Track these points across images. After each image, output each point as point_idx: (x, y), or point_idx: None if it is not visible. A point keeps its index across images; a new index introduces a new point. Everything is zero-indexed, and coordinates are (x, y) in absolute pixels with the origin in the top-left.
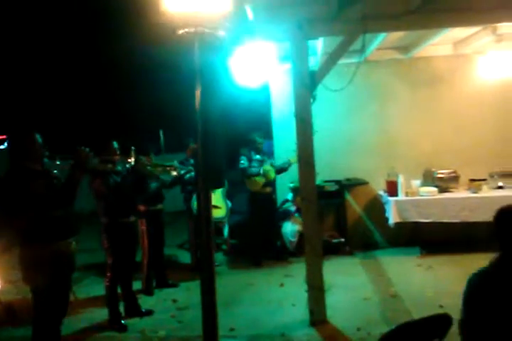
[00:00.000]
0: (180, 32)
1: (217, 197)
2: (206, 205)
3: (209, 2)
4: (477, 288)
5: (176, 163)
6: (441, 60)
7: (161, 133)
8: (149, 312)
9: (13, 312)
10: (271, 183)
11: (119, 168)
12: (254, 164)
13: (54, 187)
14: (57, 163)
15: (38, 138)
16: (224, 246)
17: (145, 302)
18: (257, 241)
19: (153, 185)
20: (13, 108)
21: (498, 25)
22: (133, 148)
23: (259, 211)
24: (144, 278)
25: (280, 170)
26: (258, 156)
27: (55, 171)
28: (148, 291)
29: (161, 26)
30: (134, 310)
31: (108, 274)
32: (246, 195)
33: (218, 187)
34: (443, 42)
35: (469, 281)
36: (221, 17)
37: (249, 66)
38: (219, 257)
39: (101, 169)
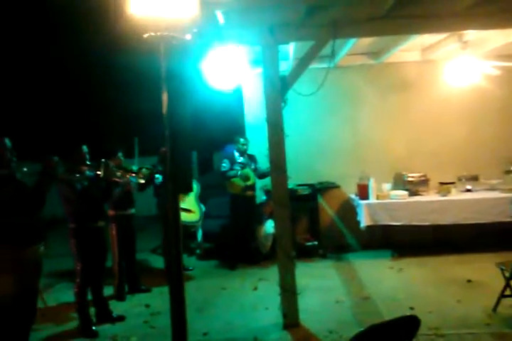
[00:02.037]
0: (146, 36)
1: (190, 201)
2: (174, 209)
3: (175, 6)
4: None
5: (144, 169)
6: (410, 66)
7: (135, 140)
8: (121, 318)
9: None
10: (252, 187)
11: (87, 172)
12: (237, 167)
13: (20, 193)
14: (25, 169)
15: (7, 142)
16: (198, 251)
17: (117, 307)
18: (233, 245)
19: (118, 189)
20: None
21: (464, 32)
22: (103, 160)
23: (239, 214)
24: (115, 284)
25: (263, 175)
26: (242, 159)
27: (19, 175)
28: (120, 296)
29: (128, 30)
30: (105, 316)
31: (77, 280)
32: (221, 199)
33: (186, 192)
34: (412, 49)
35: None
36: (188, 21)
37: (221, 70)
38: (193, 261)
39: (67, 178)
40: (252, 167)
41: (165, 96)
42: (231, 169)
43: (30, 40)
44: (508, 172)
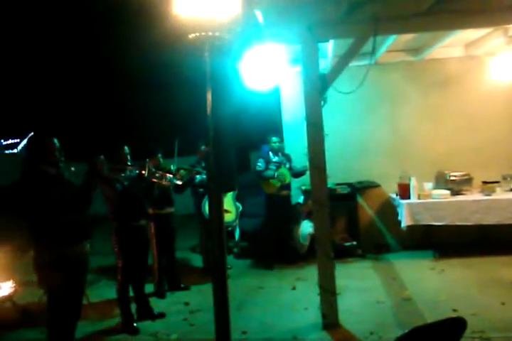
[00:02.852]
0: (191, 36)
1: (227, 201)
2: (218, 209)
3: (218, 6)
4: None
5: (182, 170)
6: (453, 62)
7: (176, 141)
8: (162, 315)
9: (27, 315)
10: (287, 186)
11: (127, 172)
12: (272, 166)
13: (68, 192)
14: (72, 169)
15: (56, 142)
16: (235, 250)
17: (157, 305)
18: (270, 244)
19: (156, 190)
20: (25, 113)
21: (510, 26)
22: (147, 160)
23: (275, 214)
24: (155, 281)
25: (298, 174)
26: (277, 158)
27: (67, 174)
28: (160, 294)
29: (172, 31)
30: (147, 313)
31: (118, 277)
32: (258, 198)
33: (230, 191)
34: (454, 44)
35: None
36: (230, 21)
37: (259, 69)
38: (230, 260)
39: (111, 177)
40: (287, 166)
41: (209, 96)
42: (266, 168)
43: (77, 41)
44: None
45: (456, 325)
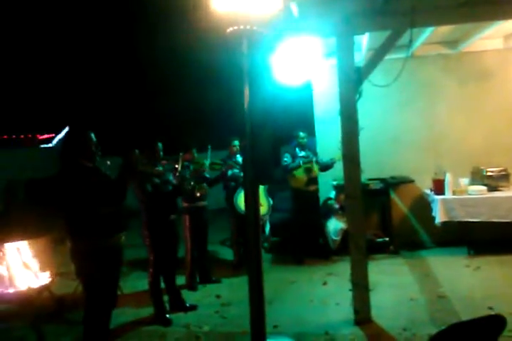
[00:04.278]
0: (229, 31)
1: (259, 195)
2: (253, 202)
3: (258, 1)
4: None
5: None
6: (491, 54)
7: (209, 148)
8: (193, 307)
9: (63, 306)
10: (315, 181)
11: (161, 167)
12: (300, 160)
13: (105, 185)
14: (108, 163)
15: (92, 136)
16: (265, 244)
17: (189, 297)
18: (299, 239)
19: (189, 183)
20: (60, 107)
21: None
22: (180, 154)
23: (303, 208)
24: (187, 274)
25: (325, 168)
26: (303, 153)
27: (103, 168)
28: (192, 287)
29: (211, 25)
30: (179, 305)
31: (150, 270)
32: (288, 192)
33: (268, 183)
34: (493, 36)
35: None
36: (270, 15)
37: (293, 63)
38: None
39: (149, 172)
40: (314, 159)
41: (247, 91)
42: (293, 163)
43: (115, 37)
44: None
45: (495, 322)
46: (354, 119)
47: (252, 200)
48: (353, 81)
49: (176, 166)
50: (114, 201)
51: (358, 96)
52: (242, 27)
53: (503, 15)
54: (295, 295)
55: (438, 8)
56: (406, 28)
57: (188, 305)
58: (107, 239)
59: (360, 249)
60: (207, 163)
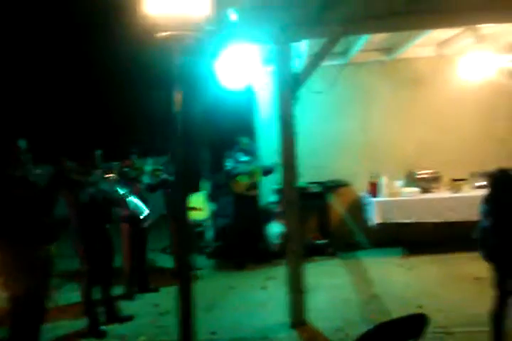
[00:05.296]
0: (160, 35)
1: (198, 199)
2: (183, 209)
3: (189, 5)
4: None
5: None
6: (424, 61)
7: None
8: (129, 318)
9: None
10: (256, 185)
11: (94, 176)
12: (242, 166)
13: (32, 194)
14: (38, 171)
15: (22, 144)
16: (207, 250)
17: (126, 307)
18: (240, 244)
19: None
20: None
21: (479, 26)
22: (116, 163)
23: (243, 213)
24: (125, 283)
25: (267, 172)
26: (246, 158)
27: (34, 176)
28: (129, 296)
29: (142, 29)
30: (114, 316)
31: (84, 281)
32: (231, 198)
33: (194, 192)
34: (426, 44)
35: None
36: (201, 20)
37: (233, 68)
38: (202, 261)
39: (83, 181)
40: (257, 164)
41: (177, 96)
42: (235, 168)
43: (46, 40)
44: None
45: (418, 320)
46: (291, 125)
47: (181, 208)
48: (290, 87)
49: (110, 175)
50: (42, 210)
51: (295, 101)
52: (172, 32)
53: (433, 25)
54: (234, 300)
55: (371, 17)
56: (340, 37)
57: (124, 315)
58: (35, 249)
59: (297, 252)
60: (148, 169)
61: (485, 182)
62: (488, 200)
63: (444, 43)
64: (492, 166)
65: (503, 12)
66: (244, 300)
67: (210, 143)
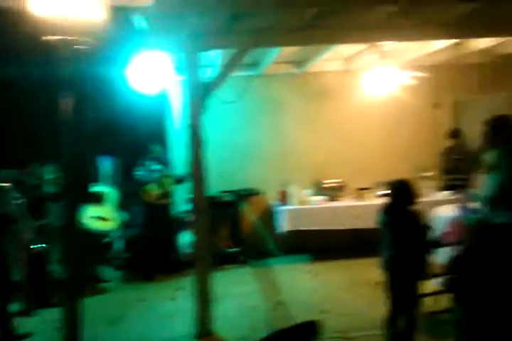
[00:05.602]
0: (49, 39)
1: (106, 209)
2: (71, 221)
3: (82, 9)
4: None
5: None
6: (332, 75)
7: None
8: (26, 336)
9: None
10: (168, 195)
11: None
12: (153, 174)
13: None
14: None
15: None
16: (116, 261)
17: (24, 324)
18: (150, 254)
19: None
20: None
21: (383, 43)
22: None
23: (154, 223)
24: (23, 298)
25: (180, 181)
26: (158, 166)
27: None
28: (26, 312)
29: (27, 32)
30: (10, 334)
31: None
32: (141, 207)
33: (84, 203)
34: (334, 58)
35: None
36: (96, 25)
37: (146, 75)
38: (110, 273)
39: None
40: (168, 174)
41: (66, 104)
42: (145, 177)
43: None
44: (421, 178)
45: (309, 327)
46: (200, 134)
47: (69, 219)
48: (199, 96)
49: (5, 184)
50: None
51: (204, 110)
52: (60, 36)
53: (339, 40)
54: (142, 312)
55: (280, 30)
56: (249, 48)
57: (21, 332)
58: None
59: (204, 261)
60: (49, 177)
61: (386, 191)
62: (386, 209)
63: (350, 58)
64: (394, 176)
65: (403, 30)
66: (152, 311)
67: (120, 151)
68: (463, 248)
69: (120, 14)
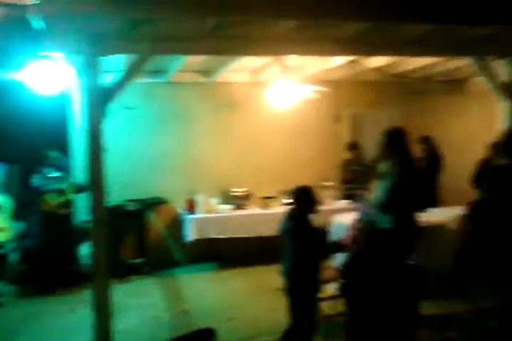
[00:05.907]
0: None
1: (1, 219)
2: None
3: None
4: None
5: None
6: (240, 86)
7: None
8: None
9: None
10: (68, 204)
11: None
12: (51, 182)
13: None
14: None
15: None
16: (11, 274)
17: None
18: (48, 267)
19: None
20: None
21: (286, 57)
22: None
23: (53, 233)
24: None
25: (81, 189)
26: (56, 173)
27: None
28: None
29: None
30: None
31: None
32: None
33: None
34: (242, 69)
35: None
36: None
37: (42, 77)
38: (4, 287)
39: None
40: (69, 181)
41: None
42: (44, 184)
43: None
44: (322, 187)
45: (205, 334)
46: (99, 139)
47: None
48: (99, 101)
49: None
50: None
51: (105, 116)
52: None
53: (241, 52)
54: (38, 327)
55: (180, 38)
56: (149, 55)
57: None
58: None
59: (102, 273)
60: None
61: (290, 199)
62: (289, 216)
63: (256, 70)
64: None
65: (304, 45)
66: (49, 327)
67: (15, 156)
68: (352, 254)
69: (14, 12)
